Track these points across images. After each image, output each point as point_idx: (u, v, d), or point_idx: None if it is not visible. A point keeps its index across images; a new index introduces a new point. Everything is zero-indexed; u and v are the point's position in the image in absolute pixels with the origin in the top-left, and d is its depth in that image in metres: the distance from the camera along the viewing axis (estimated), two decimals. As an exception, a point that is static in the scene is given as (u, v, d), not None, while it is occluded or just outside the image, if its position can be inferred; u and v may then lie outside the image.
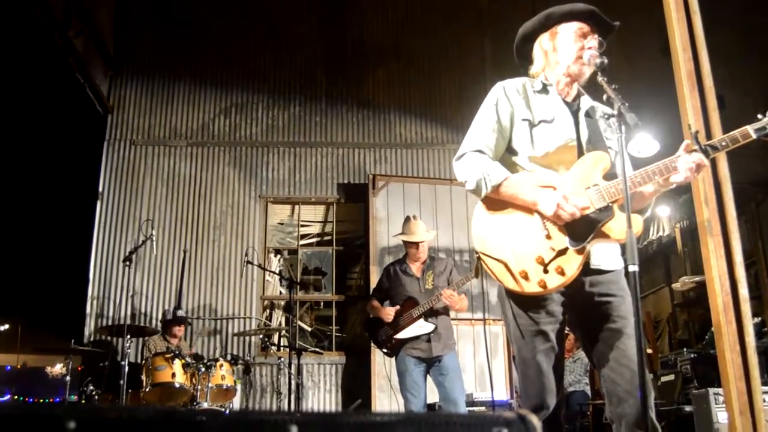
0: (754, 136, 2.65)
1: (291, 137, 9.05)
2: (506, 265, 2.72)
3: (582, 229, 2.68)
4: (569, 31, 2.92)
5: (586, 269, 2.76)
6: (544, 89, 2.96)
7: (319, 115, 9.16)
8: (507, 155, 2.94)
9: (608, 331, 2.75)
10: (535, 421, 0.94)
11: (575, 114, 2.93)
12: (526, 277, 2.68)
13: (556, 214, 2.65)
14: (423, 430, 0.89)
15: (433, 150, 9.06)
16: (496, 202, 2.82)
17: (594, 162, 2.77)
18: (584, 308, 2.81)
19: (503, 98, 2.94)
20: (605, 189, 2.70)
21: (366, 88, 9.31)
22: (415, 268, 5.82)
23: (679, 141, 2.78)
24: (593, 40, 2.87)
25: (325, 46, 9.43)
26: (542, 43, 3.01)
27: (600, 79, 2.65)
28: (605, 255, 2.84)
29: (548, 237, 2.70)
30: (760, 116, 2.68)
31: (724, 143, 2.69)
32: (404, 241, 5.92)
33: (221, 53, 9.25)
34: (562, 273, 2.64)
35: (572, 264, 2.65)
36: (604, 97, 2.60)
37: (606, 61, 2.69)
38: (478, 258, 2.84)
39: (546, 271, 2.66)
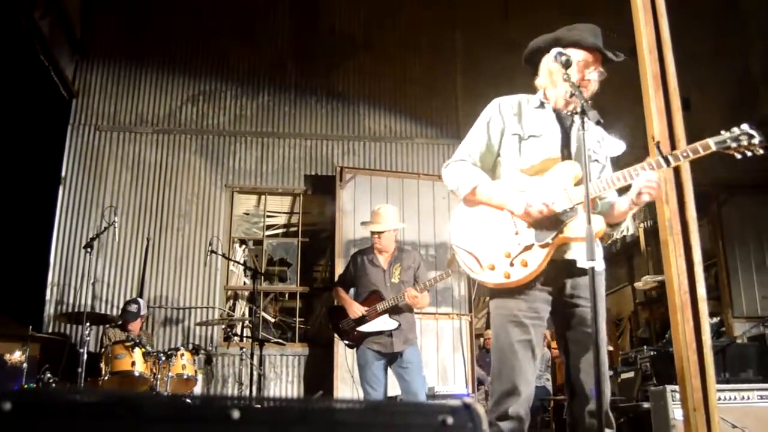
0: (713, 149, 2.76)
1: (259, 127, 8.98)
2: (476, 258, 2.93)
3: (547, 227, 2.88)
4: (574, 59, 2.99)
5: (572, 270, 2.95)
6: (542, 106, 3.13)
7: (288, 106, 9.10)
8: (498, 166, 3.13)
9: (582, 335, 2.92)
10: (481, 410, 0.94)
11: (568, 128, 3.09)
12: (492, 269, 2.90)
13: (527, 210, 2.85)
14: (369, 417, 0.89)
15: (401, 143, 9.05)
16: (474, 203, 3.06)
17: (565, 170, 2.96)
18: (563, 311, 2.99)
19: (497, 116, 3.14)
20: (571, 192, 2.89)
21: (336, 79, 9.27)
22: (383, 259, 5.79)
23: (643, 141, 2.86)
24: (594, 72, 3.02)
25: (295, 37, 9.36)
26: (549, 63, 3.09)
27: (564, 75, 2.72)
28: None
29: (516, 234, 2.91)
30: (723, 132, 2.77)
31: (685, 154, 2.80)
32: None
33: (190, 40, 9.14)
34: (525, 265, 2.84)
35: (536, 258, 2.85)
36: (567, 93, 2.66)
37: (571, 58, 2.77)
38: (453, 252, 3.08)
39: (512, 264, 2.87)
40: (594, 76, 3.01)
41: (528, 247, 2.85)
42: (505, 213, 2.94)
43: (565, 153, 3.01)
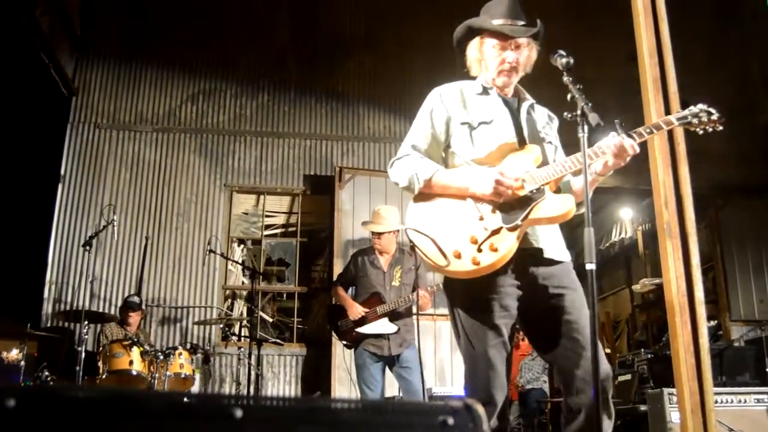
0: (676, 124, 2.89)
1: (258, 126, 8.98)
2: (438, 247, 2.77)
3: (514, 209, 2.75)
4: (489, 44, 3.00)
5: (539, 259, 2.83)
6: (485, 91, 3.03)
7: (288, 105, 9.10)
8: (451, 158, 3.01)
9: (564, 324, 2.76)
10: (481, 410, 0.94)
11: (516, 111, 3.01)
12: (459, 257, 2.72)
13: (496, 190, 2.72)
14: (370, 417, 0.89)
15: (400, 144, 9.02)
16: (429, 197, 2.91)
17: (525, 153, 2.87)
18: (538, 302, 2.82)
19: (439, 105, 3.03)
20: (536, 173, 2.80)
21: (336, 79, 9.27)
22: (383, 260, 5.78)
23: (644, 144, 2.86)
24: (512, 52, 2.95)
25: (296, 36, 9.36)
26: (471, 52, 3.09)
27: (565, 79, 2.67)
28: (555, 246, 2.90)
29: (481, 219, 2.76)
30: (680, 110, 2.96)
31: (648, 130, 2.85)
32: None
33: (190, 39, 9.12)
34: (495, 250, 2.69)
35: (506, 242, 2.70)
36: (569, 96, 2.63)
37: (571, 60, 2.72)
38: (412, 246, 2.90)
39: (480, 250, 2.70)
40: (514, 56, 2.94)
41: (496, 231, 2.71)
42: (467, 201, 2.80)
43: (519, 138, 2.92)
